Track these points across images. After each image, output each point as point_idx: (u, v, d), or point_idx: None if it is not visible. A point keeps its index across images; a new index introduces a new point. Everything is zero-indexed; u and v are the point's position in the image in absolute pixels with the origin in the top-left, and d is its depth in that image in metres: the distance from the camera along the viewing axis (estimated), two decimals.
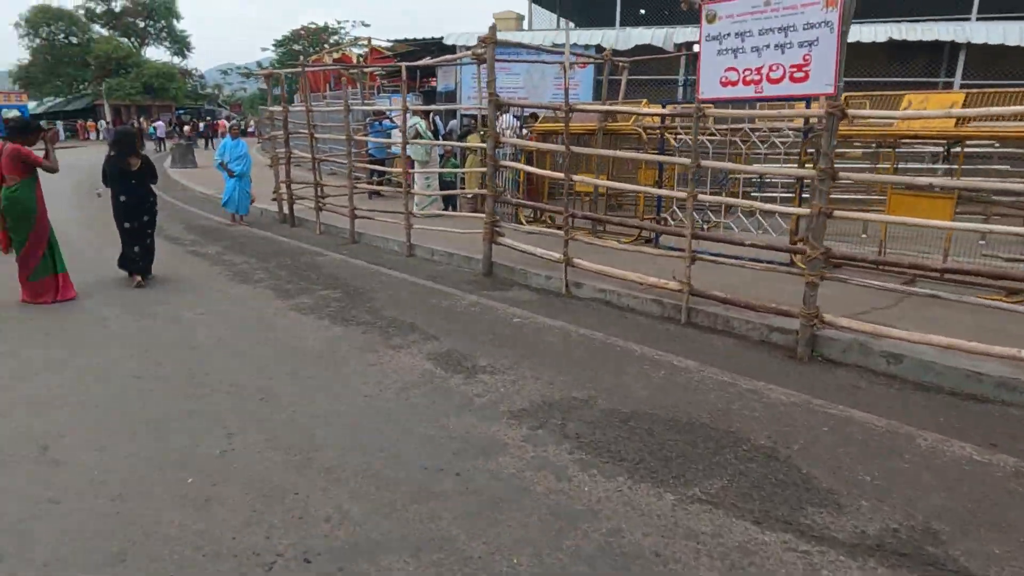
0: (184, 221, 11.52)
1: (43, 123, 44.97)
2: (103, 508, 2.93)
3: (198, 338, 5.18)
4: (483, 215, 8.17)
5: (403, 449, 3.45)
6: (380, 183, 13.57)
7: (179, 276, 7.30)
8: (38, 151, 6.18)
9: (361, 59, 23.49)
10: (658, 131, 8.12)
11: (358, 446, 3.48)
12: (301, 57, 23.76)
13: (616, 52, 12.99)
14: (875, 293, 5.32)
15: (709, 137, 7.96)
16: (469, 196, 11.40)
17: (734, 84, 4.91)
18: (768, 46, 4.65)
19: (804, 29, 4.43)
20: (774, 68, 4.64)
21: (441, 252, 8.10)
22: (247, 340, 5.15)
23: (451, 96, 16.73)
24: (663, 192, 6.86)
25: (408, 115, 11.21)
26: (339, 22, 56.02)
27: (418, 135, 10.67)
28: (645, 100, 8.94)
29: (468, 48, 14.26)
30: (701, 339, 5.27)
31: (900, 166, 7.42)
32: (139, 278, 6.85)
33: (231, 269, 7.63)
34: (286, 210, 11.17)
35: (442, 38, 16.15)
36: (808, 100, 6.14)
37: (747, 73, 4.81)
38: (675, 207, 8.05)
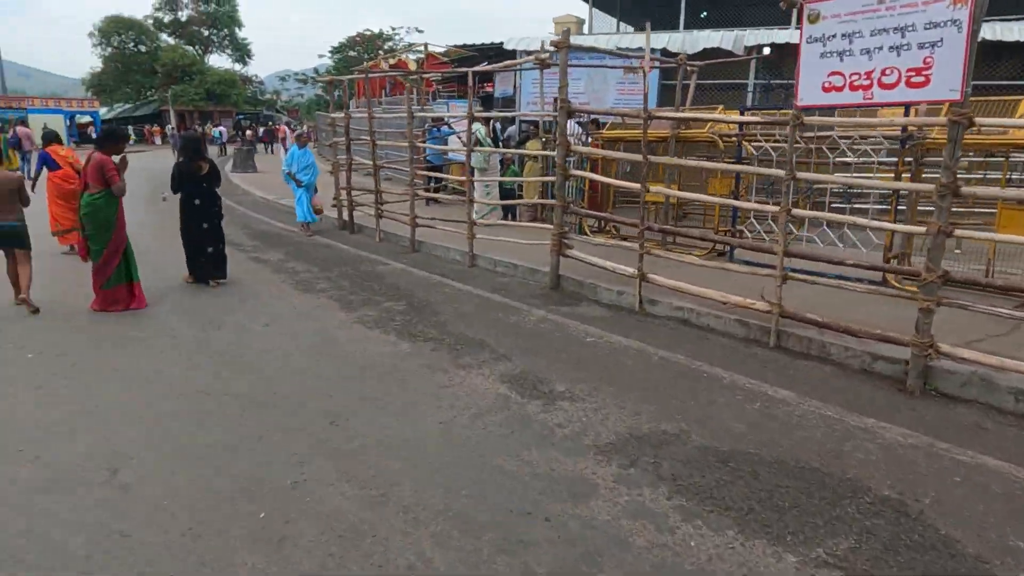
0: (246, 226, 11.61)
1: (129, 129, 47.01)
2: (174, 544, 2.75)
3: (263, 353, 5.05)
4: (545, 225, 7.90)
5: (485, 487, 3.18)
6: (437, 190, 13.47)
7: (243, 284, 7.25)
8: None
9: (417, 65, 23.60)
10: (734, 139, 7.70)
11: (437, 482, 3.23)
12: (365, 63, 24.02)
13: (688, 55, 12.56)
14: (986, 319, 4.80)
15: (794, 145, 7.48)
16: (528, 205, 11.20)
17: (839, 89, 4.49)
18: (881, 48, 4.22)
19: (925, 29, 3.99)
20: (887, 72, 4.21)
21: (505, 263, 7.85)
22: (313, 356, 4.99)
23: (509, 102, 16.54)
24: (747, 205, 6.42)
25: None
26: (393, 29, 56.60)
27: (478, 142, 10.47)
28: (721, 106, 8.50)
29: (529, 53, 14.07)
30: (794, 366, 4.85)
31: (1013, 177, 6.81)
32: (214, 282, 7.10)
33: (294, 278, 7.55)
34: (346, 217, 11.13)
35: (501, 43, 15.98)
36: (907, 106, 5.64)
37: (855, 78, 4.39)
38: (752, 219, 7.60)
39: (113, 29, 51.92)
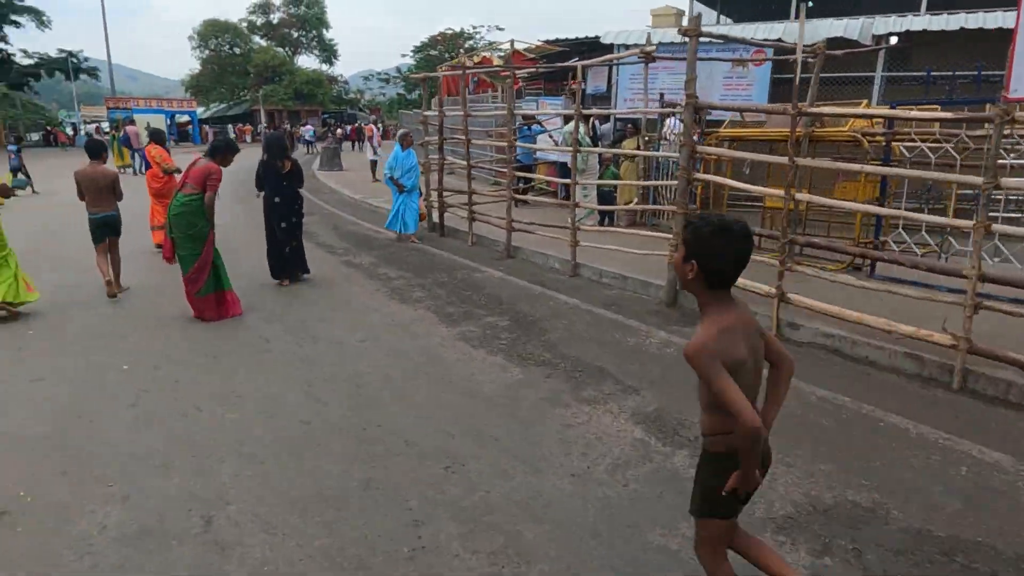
0: (335, 227, 11.43)
1: (226, 129, 49.03)
2: None
3: (363, 373, 4.61)
4: (659, 234, 7.18)
5: (643, 573, 2.56)
6: (524, 191, 12.94)
7: (336, 290, 6.92)
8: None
9: (503, 63, 23.18)
10: (880, 138, 6.74)
11: (582, 560, 2.64)
12: (447, 62, 23.79)
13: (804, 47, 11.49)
14: None
15: (933, 144, 6.46)
16: (626, 209, 10.48)
17: None
18: None
19: None
20: None
21: (612, 274, 7.18)
22: (416, 380, 4.50)
23: (601, 99, 15.82)
24: (934, 219, 5.42)
25: (563, 119, 10.51)
26: (474, 27, 56.76)
27: (577, 142, 9.83)
28: (865, 101, 7.53)
29: (628, 47, 13.31)
30: (994, 417, 3.97)
31: None
32: (287, 281, 7.16)
33: (388, 285, 7.15)
34: (436, 218, 10.75)
35: (596, 37, 15.26)
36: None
37: None
38: (900, 230, 6.61)
39: (211, 32, 54.39)
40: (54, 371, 4.67)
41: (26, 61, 46.79)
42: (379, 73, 72.58)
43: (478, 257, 8.72)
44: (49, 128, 47.05)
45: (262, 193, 7.20)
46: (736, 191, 8.86)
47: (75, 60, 48.02)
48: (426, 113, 10.51)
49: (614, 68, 14.16)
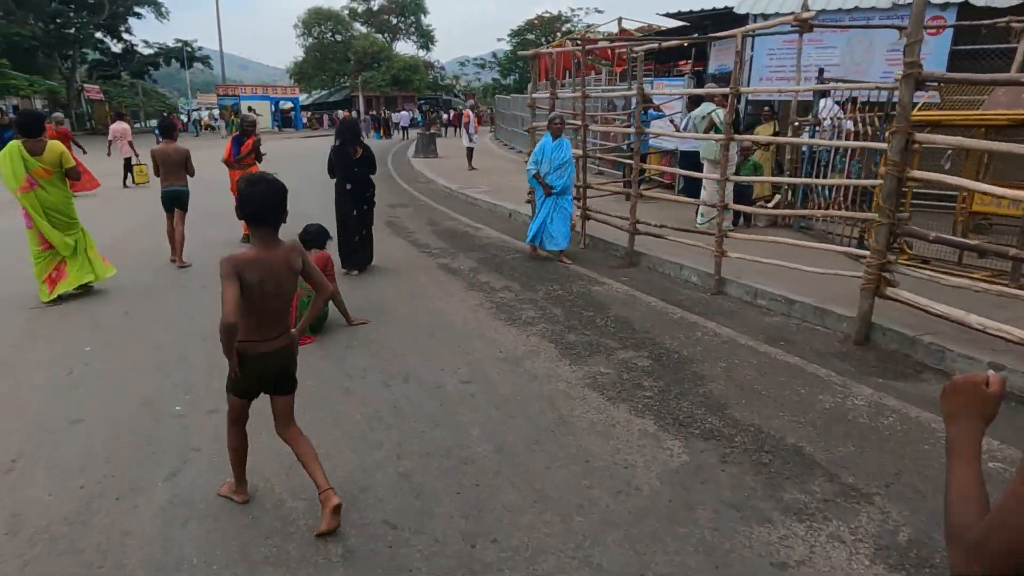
0: (431, 221, 10.45)
1: (302, 118, 50.05)
2: None
3: (469, 438, 3.46)
4: (811, 240, 5.64)
5: None
6: (640, 183, 11.50)
7: (432, 304, 5.84)
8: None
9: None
10: None
11: None
12: (549, 43, 22.49)
13: (992, 10, 9.39)
14: None
15: None
16: (769, 207, 8.86)
17: None
18: None
19: None
20: None
21: (771, 295, 5.71)
22: (541, 455, 3.30)
23: (726, 78, 13.99)
24: None
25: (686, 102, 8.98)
26: (572, 10, 54.93)
27: (713, 127, 8.32)
28: None
29: (767, 17, 11.51)
30: None
31: None
32: (356, 271, 6.96)
33: (492, 299, 6.01)
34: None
35: (727, 8, 13.48)
36: None
37: None
38: None
39: (314, 20, 55.51)
40: (101, 407, 3.83)
41: (147, 51, 49.32)
42: (474, 59, 72.18)
43: (594, 263, 7.44)
44: (165, 115, 49.59)
45: (335, 179, 6.94)
46: (929, 190, 7.17)
47: (190, 49, 50.18)
48: (534, 95, 9.26)
49: (745, 44, 12.42)
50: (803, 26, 8.05)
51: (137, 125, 48.33)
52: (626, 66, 23.52)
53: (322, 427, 3.57)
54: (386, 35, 58.94)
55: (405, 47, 61.47)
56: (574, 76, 22.56)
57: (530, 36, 52.62)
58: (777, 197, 9.20)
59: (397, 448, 3.35)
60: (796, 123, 8.68)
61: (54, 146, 5.93)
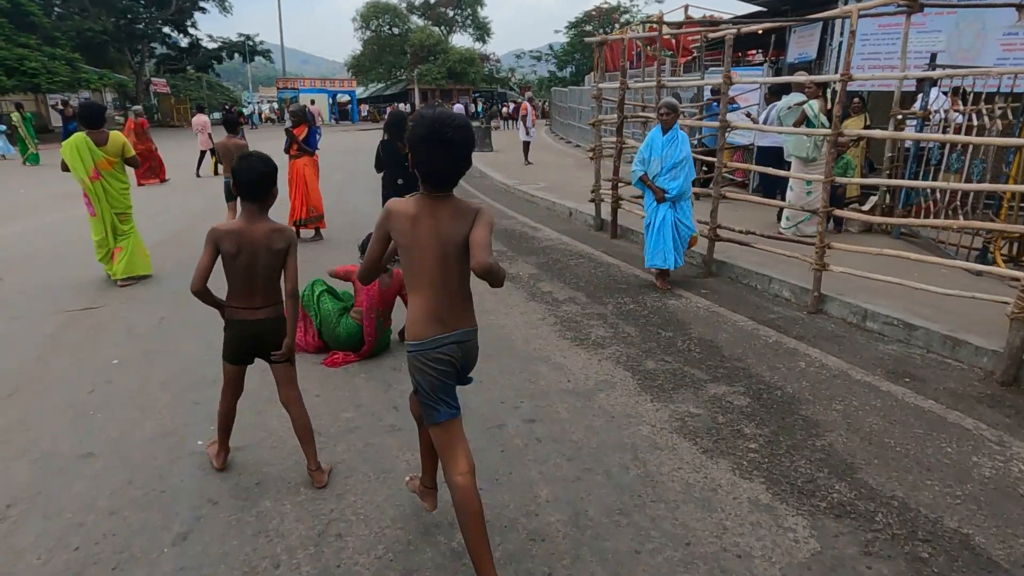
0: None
1: (365, 110, 50.36)
2: None
3: (538, 501, 2.83)
4: (920, 252, 4.76)
5: None
6: (706, 182, 10.64)
7: (490, 317, 5.22)
8: None
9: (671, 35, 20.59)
10: None
11: None
12: (607, 34, 21.61)
13: None
14: None
15: None
16: (864, 210, 7.91)
17: None
18: None
19: None
20: None
21: (884, 317, 4.87)
22: (628, 531, 2.64)
23: (806, 67, 12.91)
24: None
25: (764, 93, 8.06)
26: (631, 0, 53.46)
27: (804, 121, 7.43)
28: None
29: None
30: None
31: None
32: (398, 270, 6.35)
33: (555, 312, 5.36)
34: (604, 215, 8.84)
35: None
36: None
37: None
38: None
39: (372, 14, 55.72)
40: (116, 437, 3.37)
41: (211, 45, 50.49)
42: (530, 51, 71.36)
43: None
44: (228, 107, 50.72)
45: (382, 173, 6.87)
46: None
47: (251, 43, 51.12)
48: (601, 85, 8.52)
49: (831, 29, 11.34)
50: (912, 6, 7.12)
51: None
52: (691, 56, 22.42)
53: (360, 476, 3.00)
54: (442, 28, 58.72)
55: (461, 40, 61.26)
56: (630, 67, 21.65)
57: (588, 28, 51.47)
58: (873, 199, 8.23)
59: (450, 512, 2.75)
60: (899, 116, 7.69)
61: (116, 136, 6.17)
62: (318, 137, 8.76)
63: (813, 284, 5.33)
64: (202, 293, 2.73)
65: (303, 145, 8.17)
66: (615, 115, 8.17)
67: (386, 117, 7.66)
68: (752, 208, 8.36)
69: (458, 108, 36.74)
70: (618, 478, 2.98)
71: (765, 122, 8.72)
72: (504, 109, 36.23)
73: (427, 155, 2.07)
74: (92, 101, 7.23)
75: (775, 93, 9.72)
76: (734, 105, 11.06)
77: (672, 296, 5.82)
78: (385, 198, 6.73)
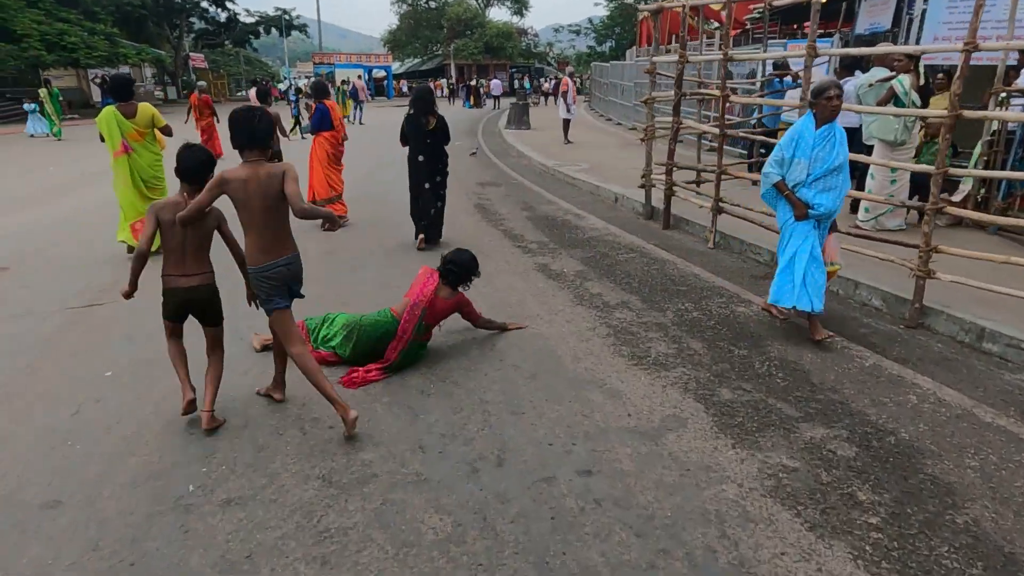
0: (525, 205, 9.16)
1: (404, 86, 49.63)
2: None
3: None
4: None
5: None
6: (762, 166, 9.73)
7: (534, 325, 4.57)
8: None
9: (723, 7, 19.36)
10: None
11: None
12: (640, 13, 20.56)
13: None
14: None
15: None
16: (955, 201, 6.97)
17: None
18: None
19: None
20: None
21: (1008, 338, 4.05)
22: None
23: (868, 40, 11.79)
24: None
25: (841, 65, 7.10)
26: None
27: (892, 99, 6.52)
28: None
29: None
30: None
31: None
32: (423, 243, 6.68)
33: (606, 320, 4.67)
34: (655, 202, 8.06)
35: None
36: None
37: None
38: None
39: None
40: (91, 479, 2.84)
41: (248, 20, 50.27)
42: (569, 25, 69.53)
43: (728, 270, 5.93)
44: (263, 82, 50.63)
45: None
46: None
47: (288, 17, 50.72)
48: (656, 59, 7.68)
49: None
50: None
51: (240, 93, 49.59)
52: (743, 28, 21.10)
53: (375, 549, 2.40)
54: (479, 1, 57.46)
55: (498, 13, 60.01)
56: (676, 40, 20.47)
57: (628, 0, 49.70)
58: (965, 188, 7.27)
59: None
60: (1002, 94, 6.70)
61: (145, 108, 6.19)
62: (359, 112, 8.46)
63: (914, 294, 4.53)
64: (143, 255, 3.13)
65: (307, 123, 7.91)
66: (671, 92, 7.35)
67: (412, 92, 7.18)
68: None
69: (496, 84, 35.83)
70: (704, 565, 2.32)
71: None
72: (545, 85, 35.21)
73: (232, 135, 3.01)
74: (121, 73, 7.11)
75: (847, 68, 8.73)
76: (798, 82, 10.12)
77: (738, 301, 5.08)
78: (410, 174, 6.60)
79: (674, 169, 7.37)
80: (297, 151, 8.59)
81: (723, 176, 6.67)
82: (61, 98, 18.69)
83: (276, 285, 3.10)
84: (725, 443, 3.09)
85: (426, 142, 6.44)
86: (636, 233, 7.41)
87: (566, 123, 16.48)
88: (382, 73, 51.02)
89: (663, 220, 7.67)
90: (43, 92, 17.23)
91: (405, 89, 51.93)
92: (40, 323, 4.74)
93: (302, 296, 3.32)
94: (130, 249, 6.29)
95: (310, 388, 3.46)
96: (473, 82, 39.26)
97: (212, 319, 3.35)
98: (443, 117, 6.60)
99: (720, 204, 6.62)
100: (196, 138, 12.15)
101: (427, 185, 6.48)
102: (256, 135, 2.99)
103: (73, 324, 4.74)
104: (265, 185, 2.95)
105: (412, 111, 6.47)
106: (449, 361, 4.01)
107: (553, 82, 37.52)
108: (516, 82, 36.21)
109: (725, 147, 13.34)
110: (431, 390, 3.64)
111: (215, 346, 3.39)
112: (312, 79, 8.89)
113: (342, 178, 8.09)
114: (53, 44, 27.16)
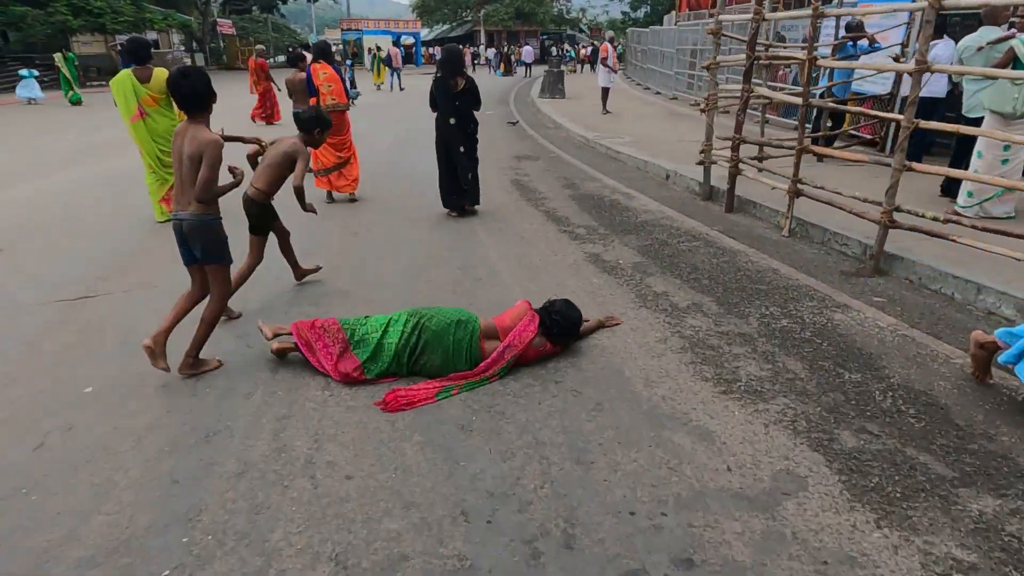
0: (567, 182, 8.34)
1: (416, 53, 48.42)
2: None
3: None
4: None
5: None
6: (830, 140, 8.78)
7: (593, 336, 3.83)
8: None
9: None
10: None
11: None
12: None
13: None
14: None
15: None
16: None
17: None
18: None
19: None
20: None
21: None
22: None
23: None
24: None
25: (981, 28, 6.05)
26: None
27: (1014, 62, 5.52)
28: None
29: None
30: None
31: None
32: (455, 212, 6.55)
33: (679, 330, 3.90)
34: (715, 181, 7.19)
35: None
36: None
37: None
38: None
39: None
40: (37, 549, 2.20)
41: None
42: None
43: (811, 264, 5.10)
44: (291, 49, 49.84)
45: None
46: None
47: None
48: (724, 17, 6.71)
49: None
50: None
51: (268, 61, 48.85)
52: None
53: None
54: None
55: None
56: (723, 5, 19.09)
57: None
58: None
59: None
60: None
61: (160, 73, 5.97)
62: (398, 76, 7.81)
63: None
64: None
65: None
66: (741, 56, 6.41)
67: (441, 53, 6.78)
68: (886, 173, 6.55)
69: (528, 50, 34.60)
70: None
71: (949, 62, 6.74)
72: (582, 51, 33.86)
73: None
74: (138, 36, 6.39)
75: (939, 30, 7.66)
76: (875, 46, 9.04)
77: (832, 305, 4.25)
78: (439, 139, 6.35)
79: (740, 145, 6.47)
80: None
81: (803, 153, 5.77)
82: (77, 63, 18.31)
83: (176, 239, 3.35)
84: (865, 517, 2.33)
85: (455, 105, 6.20)
86: (696, 217, 6.57)
87: (605, 92, 15.45)
88: (410, 40, 49.80)
89: (726, 202, 6.80)
90: (58, 57, 16.87)
91: (437, 56, 50.77)
92: (24, 320, 4.14)
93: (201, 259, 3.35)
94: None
95: (321, 421, 2.79)
96: (505, 49, 38.05)
97: (206, 256, 3.32)
98: (472, 79, 6.39)
99: (799, 185, 5.73)
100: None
101: (462, 148, 6.28)
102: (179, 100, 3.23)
103: (62, 322, 4.13)
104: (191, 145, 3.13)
105: (440, 73, 6.24)
106: (493, 394, 3.29)
107: (589, 48, 36.15)
108: (556, 49, 34.78)
109: (775, 118, 12.34)
110: (473, 424, 2.94)
111: (210, 286, 3.41)
112: (319, 40, 8.33)
113: (346, 143, 7.24)
114: (79, 9, 26.69)
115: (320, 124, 4.34)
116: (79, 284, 4.75)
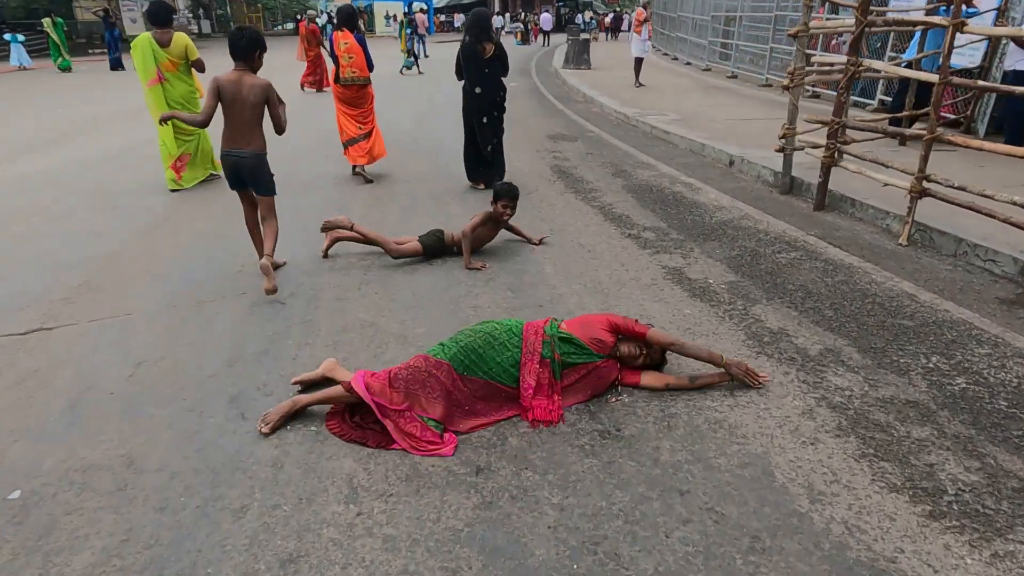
0: (616, 169, 7.26)
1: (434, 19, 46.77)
2: None
3: None
4: None
5: None
6: (912, 121, 7.62)
7: (707, 394, 2.81)
8: None
9: None
10: None
11: None
12: None
13: None
14: None
15: None
16: None
17: None
18: None
19: None
20: None
21: None
22: None
23: None
24: None
25: None
26: None
27: None
28: None
29: None
30: None
31: None
32: (483, 185, 6.21)
33: (818, 389, 2.88)
34: (796, 172, 6.09)
35: None
36: None
37: None
38: None
39: None
40: None
41: None
42: None
43: (952, 286, 4.03)
44: (299, 17, 48.26)
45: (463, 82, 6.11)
46: None
47: None
48: None
49: None
50: None
51: (277, 28, 47.45)
52: None
53: None
54: None
55: None
56: None
57: None
58: None
59: None
60: None
61: (179, 37, 5.96)
62: (423, 43, 6.92)
63: None
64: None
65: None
66: (839, 21, 5.26)
67: (468, 17, 6.32)
68: (994, 162, 5.48)
69: (546, 18, 33.06)
70: None
71: None
72: (606, 18, 32.28)
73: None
74: (160, 0, 5.95)
75: None
76: (972, 9, 7.81)
77: (1005, 351, 3.20)
78: (465, 109, 6.11)
79: (842, 130, 5.36)
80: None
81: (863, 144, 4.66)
82: (66, 28, 17.53)
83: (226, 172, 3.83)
84: None
85: (483, 72, 5.93)
86: (782, 217, 5.49)
87: (638, 62, 14.19)
88: (422, 6, 47.98)
89: (816, 198, 5.70)
90: (47, 22, 15.94)
91: (458, 24, 49.07)
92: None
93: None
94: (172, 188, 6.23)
95: (346, 568, 1.84)
96: (523, 16, 36.47)
97: (261, 189, 3.85)
98: (501, 44, 6.08)
99: (926, 184, 4.63)
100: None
101: (484, 120, 6.02)
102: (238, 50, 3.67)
103: (6, 367, 3.16)
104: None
105: (467, 38, 5.94)
106: (589, 487, 2.29)
107: (610, 16, 34.51)
108: (579, 17, 33.17)
109: (826, 90, 11.11)
110: (574, 569, 1.94)
111: (268, 214, 3.91)
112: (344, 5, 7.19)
113: (368, 116, 6.65)
114: None
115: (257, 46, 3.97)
116: (36, 308, 3.78)
